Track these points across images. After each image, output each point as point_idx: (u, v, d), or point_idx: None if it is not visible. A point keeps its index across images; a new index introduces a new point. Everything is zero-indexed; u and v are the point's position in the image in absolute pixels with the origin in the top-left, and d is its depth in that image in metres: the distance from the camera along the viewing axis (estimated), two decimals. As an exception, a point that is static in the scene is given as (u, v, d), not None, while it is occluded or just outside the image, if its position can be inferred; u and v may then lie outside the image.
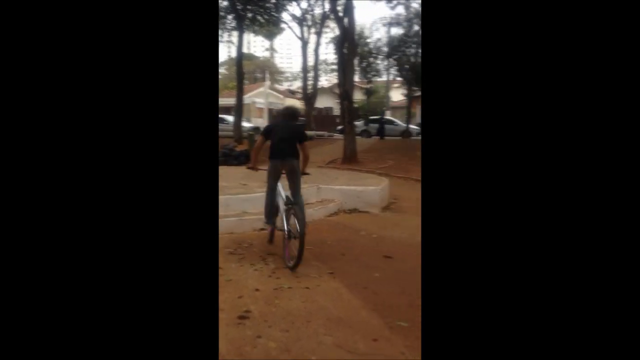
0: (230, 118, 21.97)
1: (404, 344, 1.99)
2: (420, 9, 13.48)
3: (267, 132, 3.42)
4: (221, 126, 19.98)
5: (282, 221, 3.18)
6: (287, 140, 3.31)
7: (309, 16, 20.85)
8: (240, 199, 4.14)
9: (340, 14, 10.25)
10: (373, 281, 2.81)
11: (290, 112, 3.68)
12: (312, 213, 4.54)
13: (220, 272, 2.86)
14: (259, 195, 4.29)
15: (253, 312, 2.28)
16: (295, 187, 3.37)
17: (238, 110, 12.40)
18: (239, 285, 2.65)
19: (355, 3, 10.70)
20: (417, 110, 24.77)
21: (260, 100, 27.22)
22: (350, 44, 9.97)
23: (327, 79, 33.70)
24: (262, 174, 3.57)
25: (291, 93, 33.04)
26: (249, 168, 3.65)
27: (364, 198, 5.17)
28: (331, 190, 5.23)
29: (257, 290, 2.58)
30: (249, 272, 2.90)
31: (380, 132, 18.16)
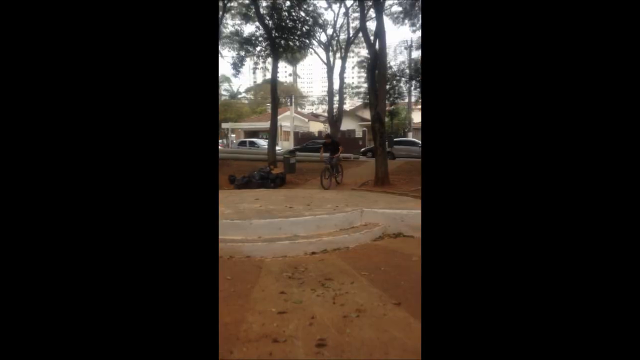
0: (261, 142, 22.39)
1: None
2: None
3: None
4: (252, 149, 20.44)
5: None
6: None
7: (334, 42, 21.39)
8: (291, 221, 4.13)
9: (371, 38, 10.45)
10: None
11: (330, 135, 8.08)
12: (359, 237, 4.49)
13: (285, 296, 2.83)
14: (309, 219, 4.28)
15: (327, 340, 2.22)
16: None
17: (273, 134, 12.58)
18: (306, 311, 2.60)
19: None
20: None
21: (287, 124, 27.72)
22: (381, 67, 10.08)
23: (350, 103, 34.11)
24: (302, 199, 3.57)
25: (315, 117, 33.54)
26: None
27: (408, 222, 5.07)
28: (374, 214, 5.17)
29: (325, 317, 2.53)
30: (312, 297, 2.85)
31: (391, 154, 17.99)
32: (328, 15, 39.44)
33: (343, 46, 21.06)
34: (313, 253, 3.93)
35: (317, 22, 16.37)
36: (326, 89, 23.01)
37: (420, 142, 21.71)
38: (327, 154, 8.94)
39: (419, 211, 5.32)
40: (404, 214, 5.13)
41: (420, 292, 3.01)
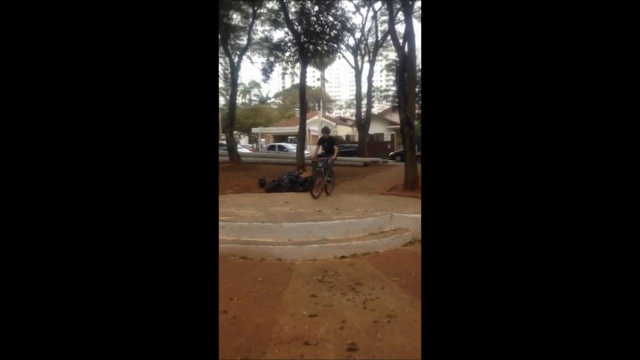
0: (290, 146, 22.65)
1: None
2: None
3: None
4: (281, 153, 20.71)
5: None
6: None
7: (362, 45, 21.37)
8: (320, 225, 4.16)
9: (400, 41, 10.36)
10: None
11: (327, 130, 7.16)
12: (389, 242, 4.46)
13: (315, 299, 2.85)
14: (338, 223, 4.29)
15: (358, 345, 2.22)
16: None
17: (301, 138, 12.71)
18: (336, 315, 2.61)
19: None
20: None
21: (315, 128, 27.91)
22: (410, 70, 9.97)
23: (378, 106, 33.91)
24: (331, 203, 3.69)
25: (343, 120, 33.60)
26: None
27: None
28: (404, 219, 5.10)
29: (356, 322, 2.53)
30: (342, 301, 2.86)
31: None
32: (356, 19, 39.56)
33: (371, 50, 20.99)
34: (342, 257, 3.94)
35: (345, 26, 16.43)
36: (354, 92, 23.00)
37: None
38: (322, 153, 7.05)
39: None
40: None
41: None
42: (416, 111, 18.87)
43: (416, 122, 22.77)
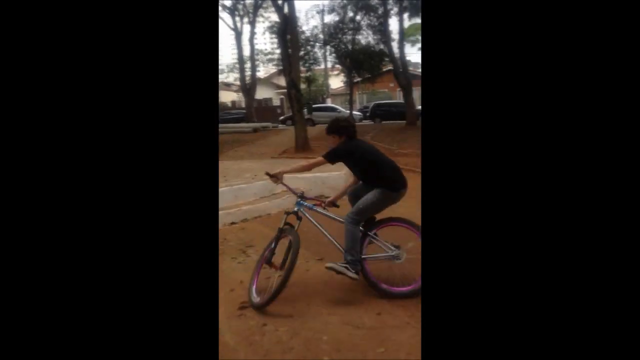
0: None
1: (406, 314, 2.08)
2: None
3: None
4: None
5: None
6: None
7: (240, 6, 20.27)
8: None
9: (280, 2, 10.09)
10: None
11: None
12: (281, 203, 4.53)
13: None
14: (226, 190, 4.16)
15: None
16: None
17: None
18: (228, 278, 2.58)
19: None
20: (357, 97, 25.57)
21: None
22: (292, 32, 9.88)
23: (264, 70, 33.17)
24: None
25: (227, 86, 32.08)
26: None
27: (329, 183, 5.21)
28: (295, 179, 5.20)
29: (247, 282, 2.53)
30: (232, 265, 2.82)
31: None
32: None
33: (251, 10, 20.08)
34: (232, 223, 3.86)
35: (219, -17, 15.24)
36: (236, 56, 21.99)
37: (339, 107, 22.11)
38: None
39: (339, 173, 5.49)
40: (324, 176, 5.25)
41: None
42: (302, 74, 18.95)
43: (303, 85, 23.02)
